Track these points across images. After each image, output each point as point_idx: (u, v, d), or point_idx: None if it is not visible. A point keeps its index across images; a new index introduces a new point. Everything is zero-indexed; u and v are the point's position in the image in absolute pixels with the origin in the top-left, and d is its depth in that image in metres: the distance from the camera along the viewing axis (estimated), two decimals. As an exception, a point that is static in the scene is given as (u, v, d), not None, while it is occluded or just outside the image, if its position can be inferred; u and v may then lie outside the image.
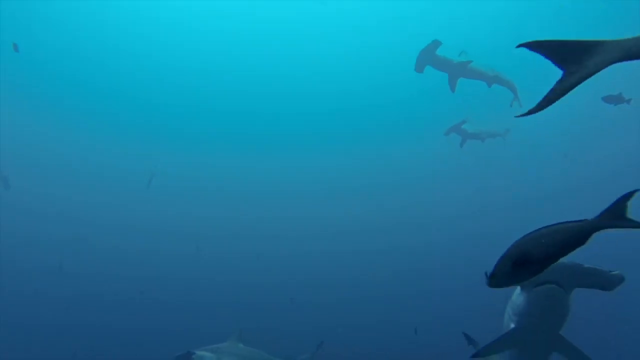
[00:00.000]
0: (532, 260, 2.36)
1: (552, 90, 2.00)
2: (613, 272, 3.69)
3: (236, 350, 8.71)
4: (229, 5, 24.25)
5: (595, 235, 2.37)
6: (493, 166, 22.18)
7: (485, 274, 2.44)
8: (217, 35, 25.45)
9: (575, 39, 2.05)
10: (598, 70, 2.01)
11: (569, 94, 2.01)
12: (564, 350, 4.23)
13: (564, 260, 2.46)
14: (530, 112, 2.03)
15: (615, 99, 9.38)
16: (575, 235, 2.35)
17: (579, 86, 1.99)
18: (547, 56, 2.07)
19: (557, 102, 2.00)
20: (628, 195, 2.41)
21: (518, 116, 2.16)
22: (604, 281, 3.68)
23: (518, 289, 4.16)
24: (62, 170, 24.21)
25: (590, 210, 2.51)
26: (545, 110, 2.01)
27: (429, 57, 10.07)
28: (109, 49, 25.12)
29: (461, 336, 5.99)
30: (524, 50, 2.14)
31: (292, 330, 14.25)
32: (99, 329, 15.11)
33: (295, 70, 26.18)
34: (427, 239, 20.53)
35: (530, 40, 2.12)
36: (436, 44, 9.98)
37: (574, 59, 2.01)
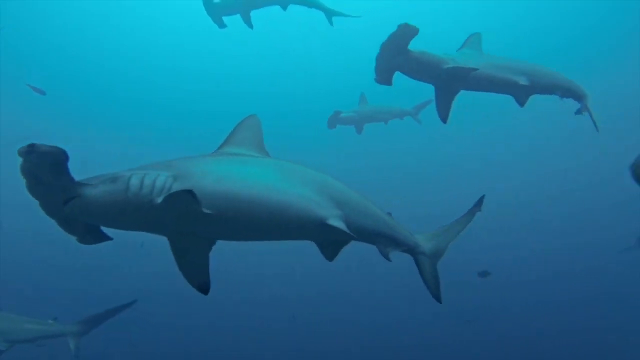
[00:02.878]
0: None
1: None
2: None
3: None
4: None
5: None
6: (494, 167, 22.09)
7: None
8: (219, 37, 25.41)
9: None
10: None
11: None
12: None
13: None
14: None
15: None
16: None
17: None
18: None
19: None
20: None
21: None
22: None
23: None
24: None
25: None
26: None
27: None
28: (112, 50, 25.14)
29: None
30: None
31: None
32: (99, 328, 15.01)
33: (295, 71, 26.15)
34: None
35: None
36: None
37: None
